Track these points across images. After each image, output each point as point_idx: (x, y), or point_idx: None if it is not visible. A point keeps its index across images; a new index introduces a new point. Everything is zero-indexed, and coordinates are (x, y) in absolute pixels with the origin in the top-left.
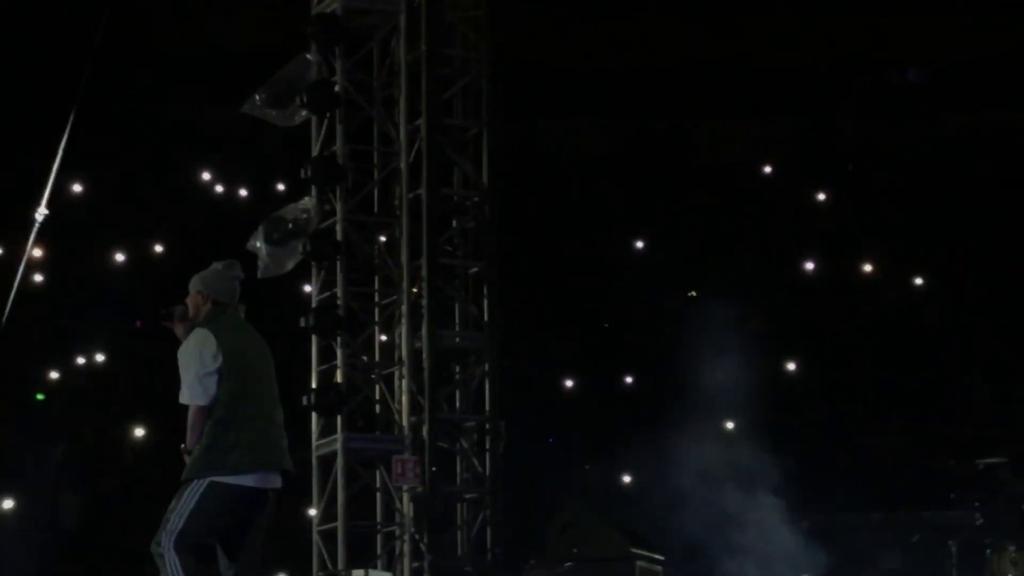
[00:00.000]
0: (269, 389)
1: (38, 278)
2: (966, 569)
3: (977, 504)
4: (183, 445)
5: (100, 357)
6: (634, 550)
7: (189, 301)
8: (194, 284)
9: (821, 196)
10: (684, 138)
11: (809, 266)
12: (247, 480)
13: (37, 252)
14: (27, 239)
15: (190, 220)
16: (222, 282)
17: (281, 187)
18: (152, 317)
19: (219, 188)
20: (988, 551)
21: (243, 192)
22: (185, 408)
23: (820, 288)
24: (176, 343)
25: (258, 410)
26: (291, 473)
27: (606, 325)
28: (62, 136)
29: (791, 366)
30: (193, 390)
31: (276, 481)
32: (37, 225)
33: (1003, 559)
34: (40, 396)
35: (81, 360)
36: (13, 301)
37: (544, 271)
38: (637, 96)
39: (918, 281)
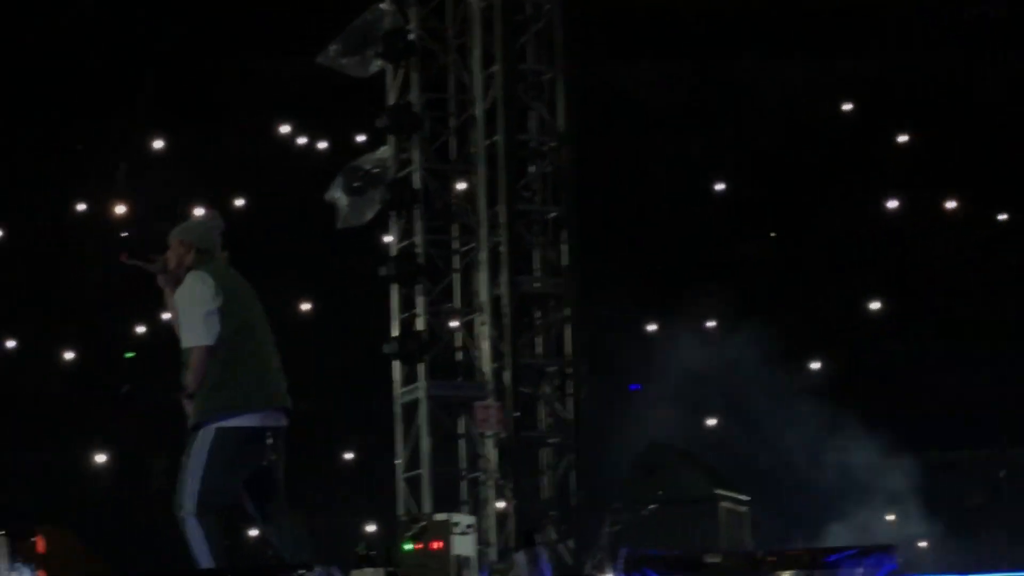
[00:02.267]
0: (265, 331)
1: (123, 234)
2: None
3: None
4: (183, 388)
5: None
6: (718, 491)
7: (170, 254)
8: (174, 235)
9: (899, 134)
10: (762, 78)
11: (891, 204)
12: (253, 420)
13: (120, 208)
14: (110, 195)
15: (269, 173)
16: (203, 230)
17: (360, 138)
18: (136, 257)
19: (300, 140)
20: None
21: (322, 144)
22: None
23: (902, 226)
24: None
25: (258, 350)
26: (291, 412)
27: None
28: (142, 92)
29: (874, 305)
30: (197, 330)
31: (281, 419)
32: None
33: None
34: (129, 354)
35: (167, 316)
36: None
37: (623, 214)
38: (715, 36)
39: (1001, 217)
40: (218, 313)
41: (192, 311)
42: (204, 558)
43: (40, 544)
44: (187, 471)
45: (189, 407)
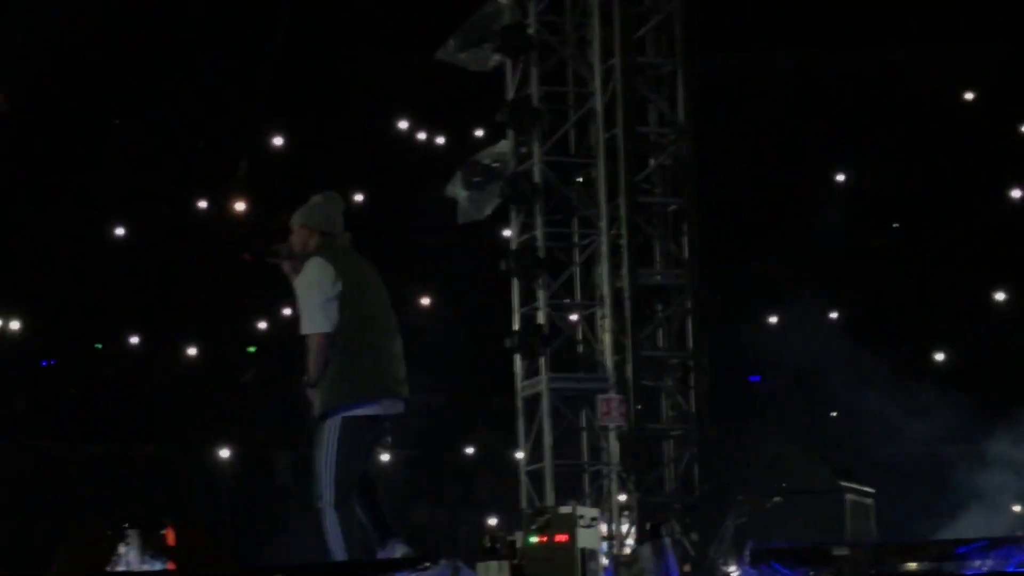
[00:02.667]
0: (387, 317)
1: (241, 231)
2: None
3: None
4: (304, 377)
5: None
6: (843, 483)
7: (294, 238)
8: (296, 219)
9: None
10: (885, 66)
11: (1016, 194)
12: (374, 409)
13: (240, 205)
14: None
15: (389, 168)
16: (325, 213)
17: (479, 132)
18: (258, 253)
19: (419, 135)
20: None
21: (441, 139)
22: None
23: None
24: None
25: (379, 337)
26: (407, 400)
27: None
28: (261, 88)
29: (999, 296)
30: (315, 318)
31: (400, 407)
32: (239, 177)
33: None
34: (251, 348)
35: (287, 311)
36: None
37: (743, 205)
38: (836, 25)
39: None
40: (336, 300)
41: (311, 298)
42: (339, 549)
43: (169, 537)
44: (320, 462)
45: (312, 395)
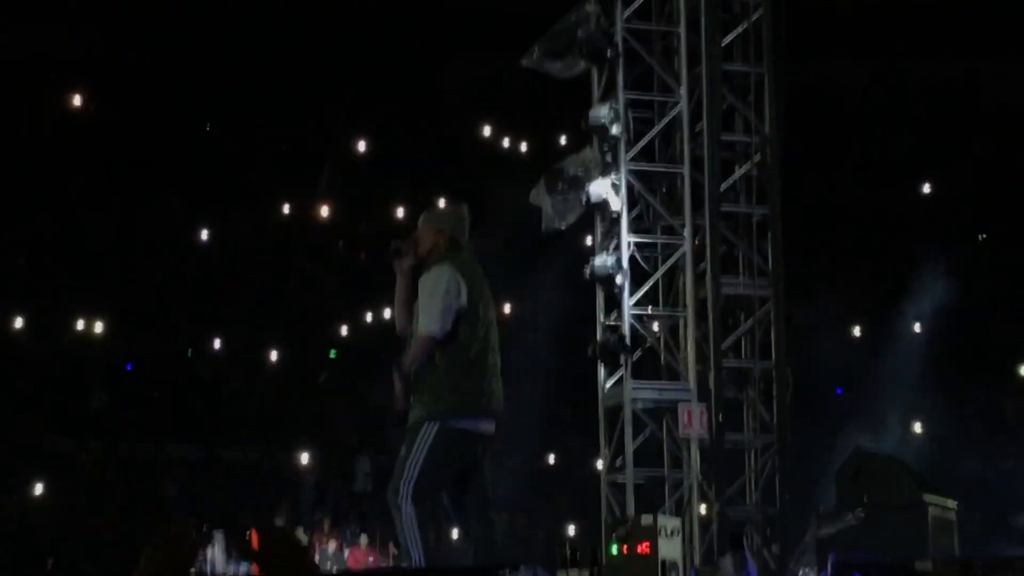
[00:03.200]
0: (495, 333)
1: (326, 238)
2: None
3: None
4: (397, 361)
5: (387, 313)
6: (926, 496)
7: (421, 237)
8: (431, 220)
9: None
10: (971, 80)
11: None
12: (473, 425)
13: (325, 211)
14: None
15: (473, 174)
16: (457, 218)
17: (564, 140)
18: (380, 250)
19: (504, 142)
20: None
21: (525, 146)
22: None
23: None
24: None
25: (488, 353)
26: (502, 418)
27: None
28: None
29: None
30: (433, 320)
31: (492, 426)
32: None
33: None
34: (333, 353)
35: (370, 317)
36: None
37: (829, 217)
38: (922, 36)
39: None
40: (456, 312)
41: (434, 300)
42: (415, 545)
43: (254, 540)
44: (407, 461)
45: (399, 382)
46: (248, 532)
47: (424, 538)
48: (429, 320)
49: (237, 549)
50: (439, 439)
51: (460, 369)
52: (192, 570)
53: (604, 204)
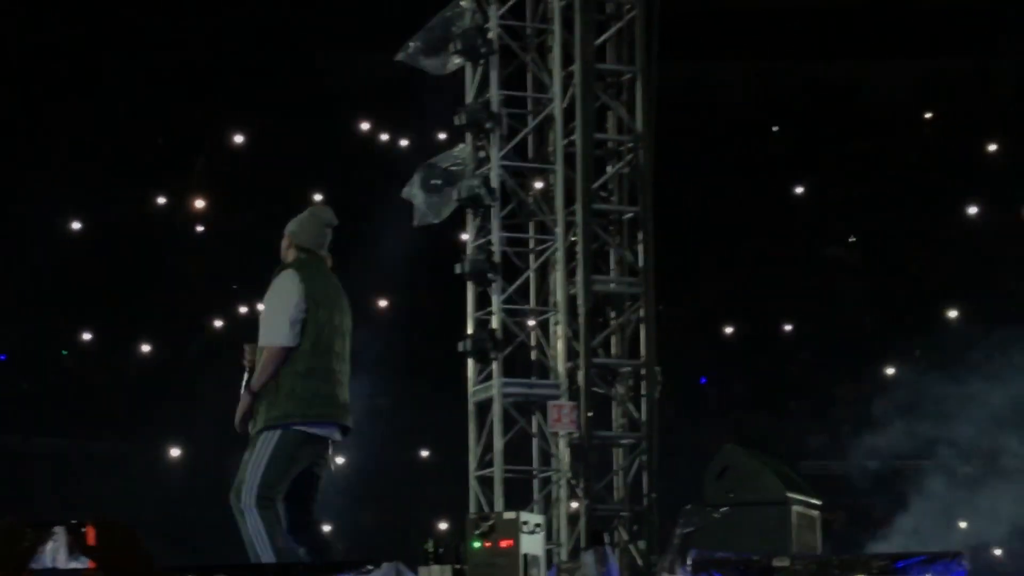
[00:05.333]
0: (345, 343)
1: (199, 228)
2: None
3: None
4: (246, 381)
5: (261, 307)
6: (791, 495)
7: (282, 243)
8: (288, 227)
9: (984, 139)
10: (845, 81)
11: (972, 210)
12: (319, 430)
13: (199, 203)
14: (189, 189)
15: (349, 169)
16: (308, 229)
17: (442, 136)
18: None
19: (383, 137)
20: None
21: (404, 142)
22: None
23: (983, 232)
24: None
25: (334, 362)
26: (349, 429)
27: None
28: (223, 87)
29: (952, 313)
30: (274, 331)
31: (338, 434)
32: (198, 174)
33: None
34: (200, 347)
35: (244, 310)
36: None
37: (701, 216)
38: (795, 37)
39: None
40: (300, 322)
41: (275, 311)
42: (265, 550)
43: (90, 535)
44: (251, 463)
45: (246, 400)
46: (85, 528)
47: (274, 540)
48: (271, 332)
49: (76, 546)
50: (282, 442)
51: (301, 378)
52: (31, 566)
53: (477, 199)
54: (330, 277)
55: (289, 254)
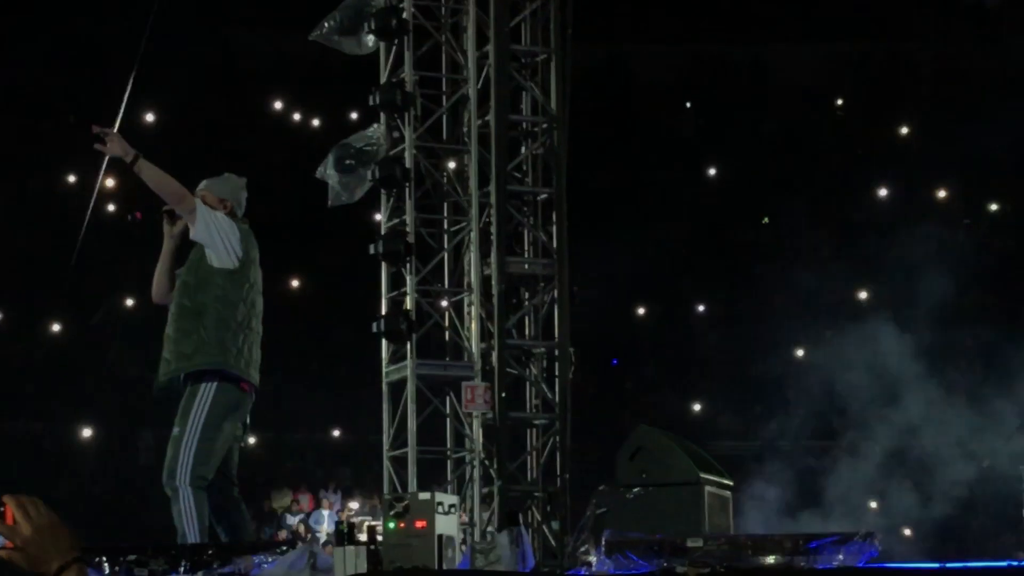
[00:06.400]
0: (261, 304)
1: (110, 208)
2: None
3: None
4: (165, 210)
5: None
6: (703, 475)
7: (207, 202)
8: (215, 189)
9: (896, 122)
10: (758, 63)
11: (882, 192)
12: (246, 390)
13: (109, 182)
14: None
15: (263, 148)
16: (237, 190)
17: (355, 115)
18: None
19: (294, 117)
20: None
21: (316, 121)
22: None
23: (892, 213)
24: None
25: (254, 321)
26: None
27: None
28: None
29: (863, 295)
30: (210, 218)
31: (254, 395)
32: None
33: None
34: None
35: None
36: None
37: (614, 198)
38: (709, 20)
39: (992, 207)
40: (234, 252)
41: (218, 222)
42: (191, 528)
43: (8, 515)
44: (183, 438)
45: (169, 224)
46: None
47: (202, 520)
48: (206, 216)
49: None
50: (217, 400)
51: (228, 328)
52: None
53: (391, 180)
54: (253, 237)
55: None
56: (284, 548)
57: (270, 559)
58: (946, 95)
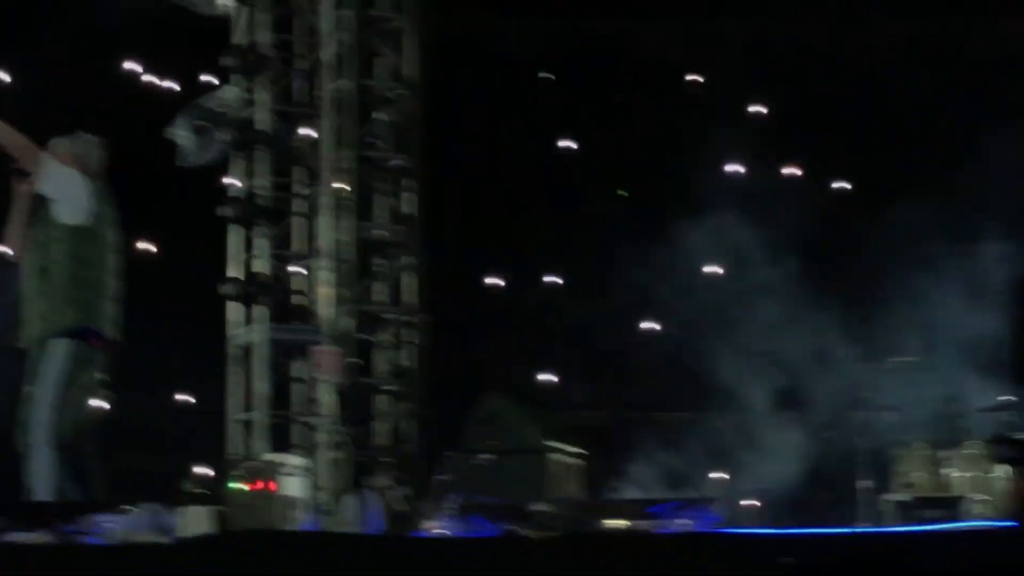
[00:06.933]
0: (116, 260)
1: None
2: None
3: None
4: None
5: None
6: (551, 443)
7: (61, 159)
8: (63, 145)
9: (755, 100)
10: (617, 38)
11: (739, 169)
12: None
13: None
14: None
15: (115, 108)
16: (94, 151)
17: (207, 77)
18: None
19: (146, 77)
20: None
21: (169, 83)
22: None
23: (748, 191)
24: None
25: (106, 278)
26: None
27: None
28: None
29: (718, 269)
30: (60, 173)
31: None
32: None
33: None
34: None
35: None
36: None
37: (470, 167)
38: None
39: (845, 186)
40: (84, 197)
41: (71, 180)
42: (44, 490)
43: None
44: (34, 400)
45: (20, 181)
46: None
47: (53, 479)
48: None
49: None
50: (69, 358)
51: (80, 285)
52: None
53: (244, 142)
54: (105, 197)
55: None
56: (128, 507)
57: (114, 518)
58: (804, 77)
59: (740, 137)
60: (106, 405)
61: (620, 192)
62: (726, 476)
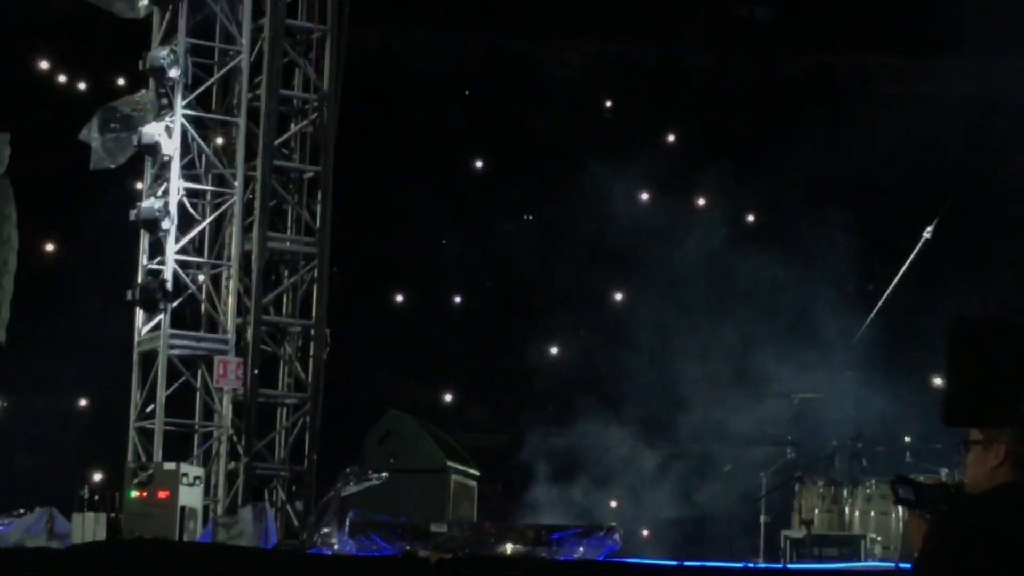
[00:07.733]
0: (13, 260)
1: None
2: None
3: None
4: None
5: None
6: (450, 464)
7: None
8: None
9: (663, 127)
10: (529, 57)
11: (644, 196)
12: None
13: None
14: None
15: (26, 108)
16: (3, 151)
17: (122, 81)
18: None
19: (60, 79)
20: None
21: (82, 85)
22: None
23: (649, 217)
24: None
25: (10, 284)
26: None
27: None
28: None
29: (618, 296)
30: None
31: None
32: None
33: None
34: None
35: None
36: None
37: (380, 182)
38: (488, 12)
39: (749, 219)
40: None
41: None
42: None
43: None
44: None
45: None
46: None
47: None
48: None
49: None
50: None
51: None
52: None
53: (156, 147)
54: (9, 191)
55: None
56: (22, 511)
57: (6, 521)
58: (712, 103)
59: (650, 162)
60: None
61: (527, 217)
62: (625, 504)
